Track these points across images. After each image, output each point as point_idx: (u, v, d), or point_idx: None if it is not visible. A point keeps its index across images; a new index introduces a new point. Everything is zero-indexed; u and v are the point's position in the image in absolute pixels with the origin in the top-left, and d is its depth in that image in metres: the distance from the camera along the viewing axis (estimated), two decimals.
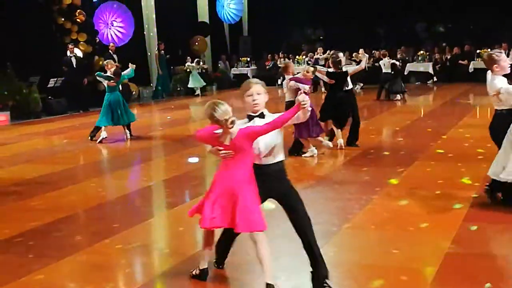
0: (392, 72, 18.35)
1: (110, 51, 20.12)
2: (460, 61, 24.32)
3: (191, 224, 6.46)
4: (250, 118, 4.48)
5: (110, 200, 7.78)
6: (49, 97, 18.39)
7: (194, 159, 10.15)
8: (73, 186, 8.48)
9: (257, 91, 4.44)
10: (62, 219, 6.73)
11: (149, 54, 23.70)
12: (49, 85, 18.37)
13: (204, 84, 23.78)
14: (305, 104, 4.14)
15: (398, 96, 18.39)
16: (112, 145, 12.13)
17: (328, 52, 22.48)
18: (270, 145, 4.39)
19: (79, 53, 19.12)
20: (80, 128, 14.71)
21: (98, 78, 13.07)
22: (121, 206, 7.55)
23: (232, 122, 4.27)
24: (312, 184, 7.83)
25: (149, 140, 12.82)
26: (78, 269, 5.26)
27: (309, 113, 4.49)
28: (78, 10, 19.53)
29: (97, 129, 12.56)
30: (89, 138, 12.57)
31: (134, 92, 21.97)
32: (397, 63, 19.05)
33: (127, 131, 12.79)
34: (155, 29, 23.63)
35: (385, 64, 18.46)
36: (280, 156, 4.49)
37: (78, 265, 5.32)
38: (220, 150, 4.40)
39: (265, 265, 4.33)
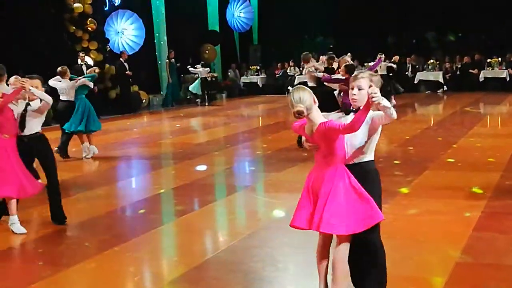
0: (390, 74, 18.51)
1: (121, 59, 20.23)
2: (470, 70, 24.24)
3: (200, 232, 6.47)
4: (347, 112, 4.12)
5: (119, 208, 7.79)
6: None
7: (202, 167, 10.16)
8: (82, 193, 8.50)
9: (359, 86, 4.04)
10: (71, 227, 6.75)
11: (159, 62, 23.78)
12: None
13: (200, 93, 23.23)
14: (375, 98, 3.75)
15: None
16: (121, 153, 12.16)
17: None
18: (355, 145, 4.08)
19: (89, 61, 19.22)
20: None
21: (84, 80, 11.56)
22: (130, 214, 7.56)
23: (298, 113, 3.88)
24: None
25: (158, 148, 12.85)
26: (87, 277, 5.27)
27: (390, 110, 3.93)
28: (89, 19, 19.64)
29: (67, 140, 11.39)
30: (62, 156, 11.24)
31: (144, 100, 22.04)
32: (393, 65, 19.17)
33: (92, 146, 11.51)
34: (166, 37, 23.73)
35: (381, 67, 18.58)
36: (364, 157, 4.12)
37: (87, 273, 5.32)
38: (308, 141, 4.16)
39: (334, 272, 4.05)
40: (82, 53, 18.74)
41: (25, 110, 6.61)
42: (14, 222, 6.43)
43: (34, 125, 6.67)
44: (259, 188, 8.64)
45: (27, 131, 6.63)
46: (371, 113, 3.93)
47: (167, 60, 22.79)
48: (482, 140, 11.50)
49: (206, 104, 22.68)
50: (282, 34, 28.35)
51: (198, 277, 5.03)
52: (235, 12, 27.27)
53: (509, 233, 5.89)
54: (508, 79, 23.25)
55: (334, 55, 12.38)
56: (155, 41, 23.70)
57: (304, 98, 3.89)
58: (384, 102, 3.86)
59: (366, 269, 4.16)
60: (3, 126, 6.46)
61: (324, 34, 30.24)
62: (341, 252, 4.04)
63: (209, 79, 23.55)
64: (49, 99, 6.65)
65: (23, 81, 6.41)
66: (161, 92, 23.68)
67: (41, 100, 6.64)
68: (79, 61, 18.68)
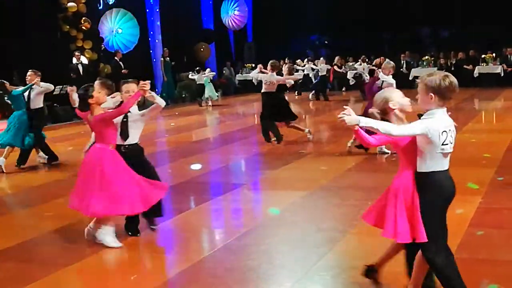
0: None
1: (116, 58, 20.21)
2: (465, 66, 24.29)
3: (196, 231, 6.48)
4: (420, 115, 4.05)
5: None
6: (55, 104, 18.42)
7: (198, 166, 10.16)
8: None
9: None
10: (68, 226, 6.74)
11: (154, 60, 23.76)
12: (54, 93, 18.39)
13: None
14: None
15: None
16: None
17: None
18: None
19: (84, 60, 19.19)
20: (86, 136, 14.67)
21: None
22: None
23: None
24: (317, 190, 7.82)
25: (153, 147, 12.83)
26: (83, 277, 5.27)
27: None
28: (84, 18, 19.61)
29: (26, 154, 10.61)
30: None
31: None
32: (375, 68, 19.34)
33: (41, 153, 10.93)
34: (160, 36, 23.70)
35: (364, 69, 19.79)
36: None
37: (84, 272, 5.32)
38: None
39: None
40: (78, 52, 18.71)
41: (125, 117, 6.03)
42: (108, 233, 5.80)
43: (135, 135, 6.16)
44: (255, 186, 8.64)
45: (129, 141, 6.09)
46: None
47: (162, 59, 22.77)
48: (477, 136, 11.52)
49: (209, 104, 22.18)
50: (276, 31, 28.34)
51: (195, 275, 5.03)
52: (229, 10, 27.25)
53: (503, 228, 5.91)
54: (502, 74, 23.32)
55: (276, 62, 12.87)
56: (150, 39, 23.69)
57: (385, 95, 4.19)
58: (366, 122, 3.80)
59: None
60: (110, 136, 5.89)
61: (319, 31, 30.25)
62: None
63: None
64: (162, 102, 6.19)
65: (144, 84, 5.84)
66: (156, 91, 23.68)
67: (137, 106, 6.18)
68: (75, 60, 18.67)
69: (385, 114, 4.09)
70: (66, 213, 7.10)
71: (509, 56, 23.55)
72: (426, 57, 25.04)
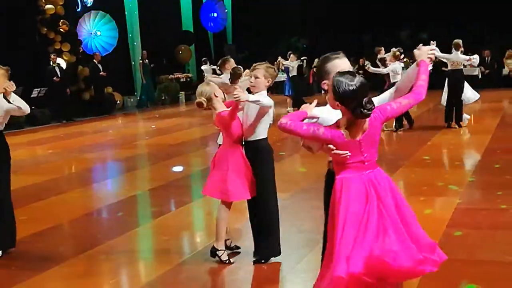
0: None
1: (94, 60, 20.10)
2: (443, 68, 24.45)
3: (176, 234, 6.45)
4: None
5: (95, 211, 7.73)
6: (32, 107, 18.19)
7: (178, 168, 10.13)
8: (57, 196, 8.42)
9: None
10: (46, 230, 6.68)
11: (133, 63, 23.65)
12: (32, 95, 18.25)
13: None
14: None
15: None
16: (97, 155, 12.08)
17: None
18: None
19: (62, 63, 19.04)
20: (64, 139, 14.64)
21: None
22: (105, 217, 7.51)
23: None
24: (298, 192, 7.83)
25: (134, 150, 12.78)
26: (62, 281, 5.22)
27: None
28: (62, 20, 19.46)
29: None
30: None
31: (118, 102, 21.90)
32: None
33: None
34: (139, 38, 23.60)
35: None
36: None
37: (62, 277, 5.28)
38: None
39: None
40: (54, 55, 18.56)
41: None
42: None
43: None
44: None
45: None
46: None
47: (141, 61, 22.67)
48: (456, 137, 11.63)
49: None
50: (256, 33, 28.37)
51: (175, 278, 5.01)
52: (209, 12, 27.22)
53: (481, 229, 5.97)
54: (480, 76, 23.54)
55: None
56: (129, 42, 23.57)
57: None
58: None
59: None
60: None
61: (298, 33, 30.33)
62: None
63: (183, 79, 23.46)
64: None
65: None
66: (135, 93, 23.57)
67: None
68: (51, 63, 18.51)
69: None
70: (42, 217, 7.04)
71: (486, 58, 23.78)
72: (405, 59, 25.19)
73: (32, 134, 15.99)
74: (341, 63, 3.46)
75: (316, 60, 25.79)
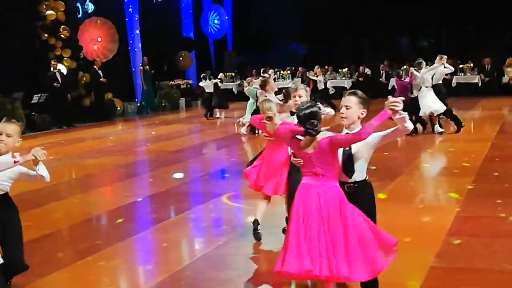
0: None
1: (95, 66, 20.12)
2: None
3: (175, 240, 6.45)
4: None
5: (94, 217, 7.73)
6: (33, 113, 18.27)
7: (179, 175, 10.13)
8: (57, 202, 8.43)
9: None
10: (45, 236, 6.68)
11: (133, 69, 23.68)
12: (32, 101, 18.27)
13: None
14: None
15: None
16: (97, 161, 12.07)
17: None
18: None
19: (63, 69, 19.06)
20: (64, 144, 14.64)
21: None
22: (105, 223, 7.51)
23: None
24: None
25: (134, 156, 12.78)
26: (61, 287, 5.21)
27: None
28: (62, 26, 19.49)
29: None
30: None
31: (118, 108, 21.91)
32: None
33: None
34: (140, 45, 23.64)
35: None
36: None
37: (61, 283, 5.28)
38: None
39: None
40: (54, 61, 18.58)
41: (349, 147, 4.09)
42: None
43: (361, 167, 4.27)
44: (234, 196, 8.63)
45: (355, 177, 4.25)
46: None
47: (141, 67, 22.69)
48: (455, 145, 11.63)
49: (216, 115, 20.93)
50: (257, 40, 28.42)
51: (173, 285, 5.01)
52: (209, 19, 27.28)
53: (481, 237, 5.97)
54: (480, 84, 23.56)
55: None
56: (129, 48, 23.61)
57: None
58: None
59: None
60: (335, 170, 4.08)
61: (298, 40, 30.38)
62: None
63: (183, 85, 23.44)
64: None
65: (395, 102, 3.92)
66: (136, 100, 23.58)
67: None
68: (52, 69, 18.53)
69: None
70: (44, 223, 7.04)
71: (486, 66, 23.81)
72: (405, 66, 25.24)
73: (32, 140, 15.97)
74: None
75: (316, 67, 25.85)
